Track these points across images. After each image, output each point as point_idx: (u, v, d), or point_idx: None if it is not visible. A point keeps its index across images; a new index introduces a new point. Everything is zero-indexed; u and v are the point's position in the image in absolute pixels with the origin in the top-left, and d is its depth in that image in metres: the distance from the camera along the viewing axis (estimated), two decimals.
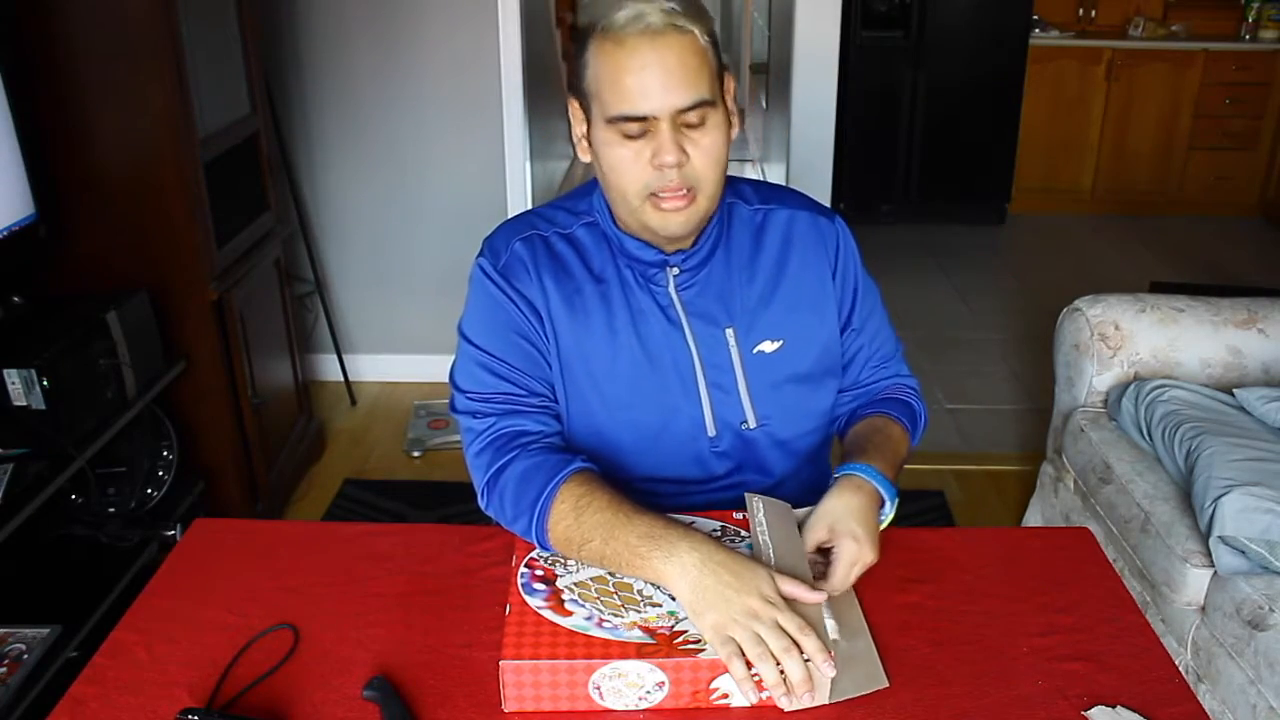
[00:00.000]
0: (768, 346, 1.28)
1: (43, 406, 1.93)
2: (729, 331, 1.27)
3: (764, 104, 5.99)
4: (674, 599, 1.04)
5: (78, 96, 2.20)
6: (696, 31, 1.12)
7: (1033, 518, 2.56)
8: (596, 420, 1.27)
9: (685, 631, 1.00)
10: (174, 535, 2.20)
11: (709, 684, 0.98)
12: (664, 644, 0.98)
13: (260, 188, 2.73)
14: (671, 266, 1.25)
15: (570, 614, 1.02)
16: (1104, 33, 5.42)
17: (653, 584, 1.06)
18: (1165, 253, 5.01)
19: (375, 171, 3.39)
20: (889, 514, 1.21)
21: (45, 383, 1.92)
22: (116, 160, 2.25)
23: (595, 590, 1.06)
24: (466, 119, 3.33)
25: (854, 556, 1.12)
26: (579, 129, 1.21)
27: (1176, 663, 1.13)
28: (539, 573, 1.10)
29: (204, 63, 2.33)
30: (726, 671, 0.97)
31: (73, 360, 2.00)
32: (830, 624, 1.05)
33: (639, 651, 0.97)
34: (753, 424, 1.28)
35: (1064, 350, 2.44)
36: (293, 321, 2.94)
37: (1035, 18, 5.14)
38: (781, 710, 0.98)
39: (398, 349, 3.58)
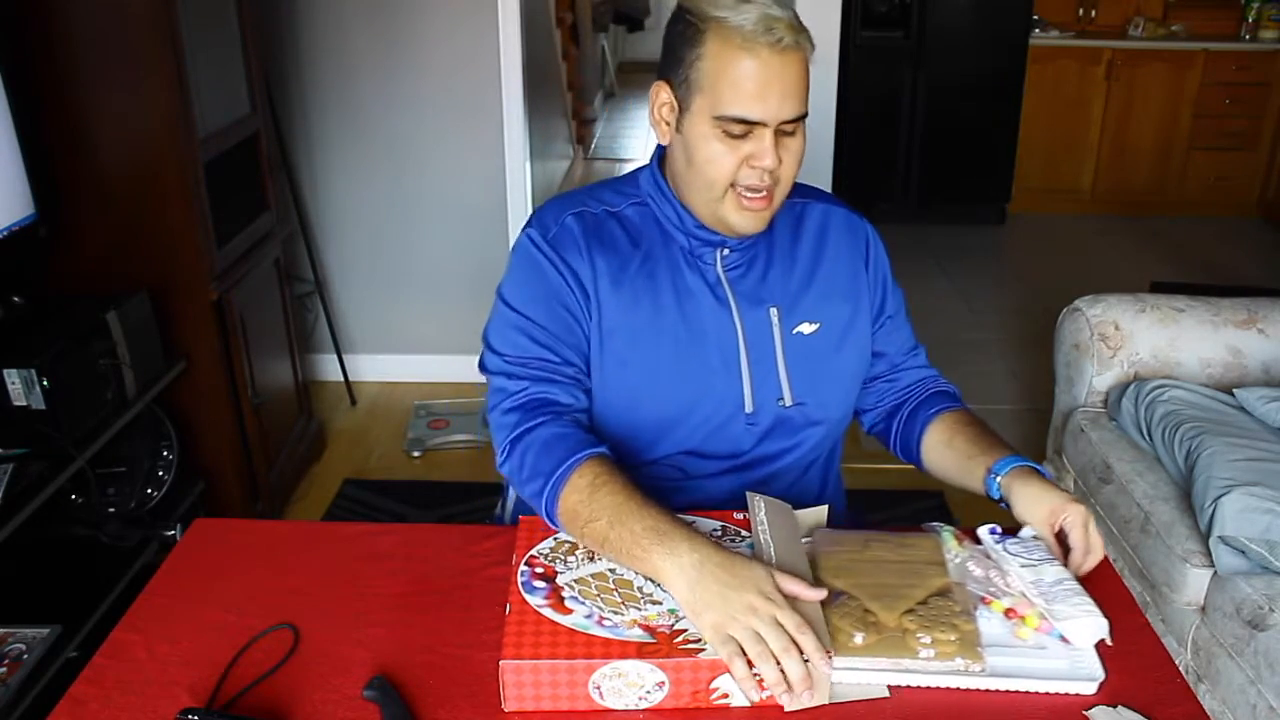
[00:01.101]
0: (806, 328, 1.33)
1: (43, 406, 1.93)
2: (773, 311, 1.31)
3: None
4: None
5: (78, 96, 2.20)
6: (808, 51, 1.20)
7: None
8: (637, 395, 1.29)
9: (685, 630, 1.00)
10: (174, 535, 2.19)
11: (709, 684, 0.98)
12: (664, 643, 0.98)
13: (260, 188, 2.73)
14: (724, 248, 1.30)
15: (570, 612, 1.02)
16: (1104, 33, 5.42)
17: (651, 580, 1.07)
18: (1165, 253, 5.01)
19: (375, 171, 3.38)
20: None
21: (45, 383, 1.92)
22: (116, 160, 2.25)
23: (595, 588, 1.06)
24: (466, 119, 3.33)
25: (1085, 517, 1.17)
26: (665, 113, 1.25)
27: (1176, 663, 1.13)
28: (539, 570, 1.10)
29: (204, 63, 2.33)
30: (727, 671, 0.97)
31: (73, 360, 2.00)
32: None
33: (639, 651, 0.97)
34: (788, 401, 1.32)
35: (1064, 350, 2.44)
36: (293, 321, 2.94)
37: (1035, 18, 5.14)
38: (782, 710, 0.98)
39: (398, 349, 3.58)
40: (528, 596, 1.05)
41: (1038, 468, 1.25)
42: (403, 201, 3.42)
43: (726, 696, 0.99)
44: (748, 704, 0.99)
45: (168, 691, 1.02)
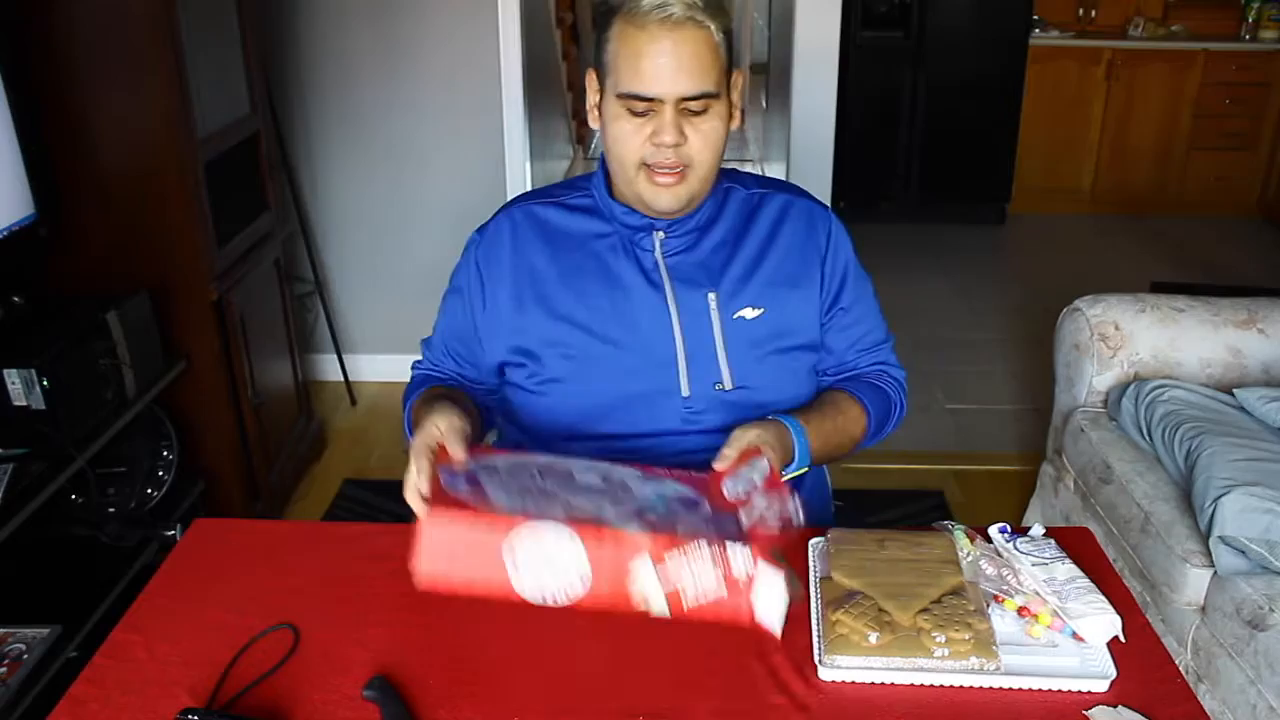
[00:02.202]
0: (748, 313, 1.33)
1: (43, 406, 1.93)
2: (711, 296, 1.32)
3: (764, 104, 5.99)
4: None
5: (78, 96, 2.20)
6: (713, 28, 1.21)
7: (1033, 518, 2.56)
8: (569, 379, 1.32)
9: (607, 519, 0.97)
10: (174, 535, 2.19)
11: (628, 564, 0.93)
12: (589, 524, 0.95)
13: (260, 188, 2.73)
14: (657, 230, 1.32)
15: (498, 501, 1.00)
16: (1104, 33, 5.41)
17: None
18: (1165, 253, 5.00)
19: (375, 171, 3.38)
20: (793, 470, 1.23)
21: (45, 383, 1.92)
22: (116, 160, 2.25)
23: (518, 489, 1.04)
24: (466, 119, 3.33)
25: (749, 439, 1.16)
26: (593, 98, 1.30)
27: (1176, 663, 1.13)
28: (457, 469, 1.07)
29: (204, 63, 2.33)
30: (648, 552, 0.93)
31: (73, 360, 2.00)
32: None
33: (559, 520, 0.94)
34: (728, 385, 1.32)
35: (1064, 350, 2.43)
36: (293, 321, 2.94)
37: (1035, 18, 5.14)
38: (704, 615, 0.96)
39: (398, 349, 3.57)
40: (450, 487, 1.01)
41: (794, 439, 1.22)
42: (403, 202, 3.42)
43: (646, 600, 0.94)
44: (666, 613, 0.94)
45: (168, 691, 1.02)
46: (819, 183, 3.70)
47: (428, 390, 1.38)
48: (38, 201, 2.08)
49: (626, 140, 1.24)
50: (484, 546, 0.92)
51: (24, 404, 1.93)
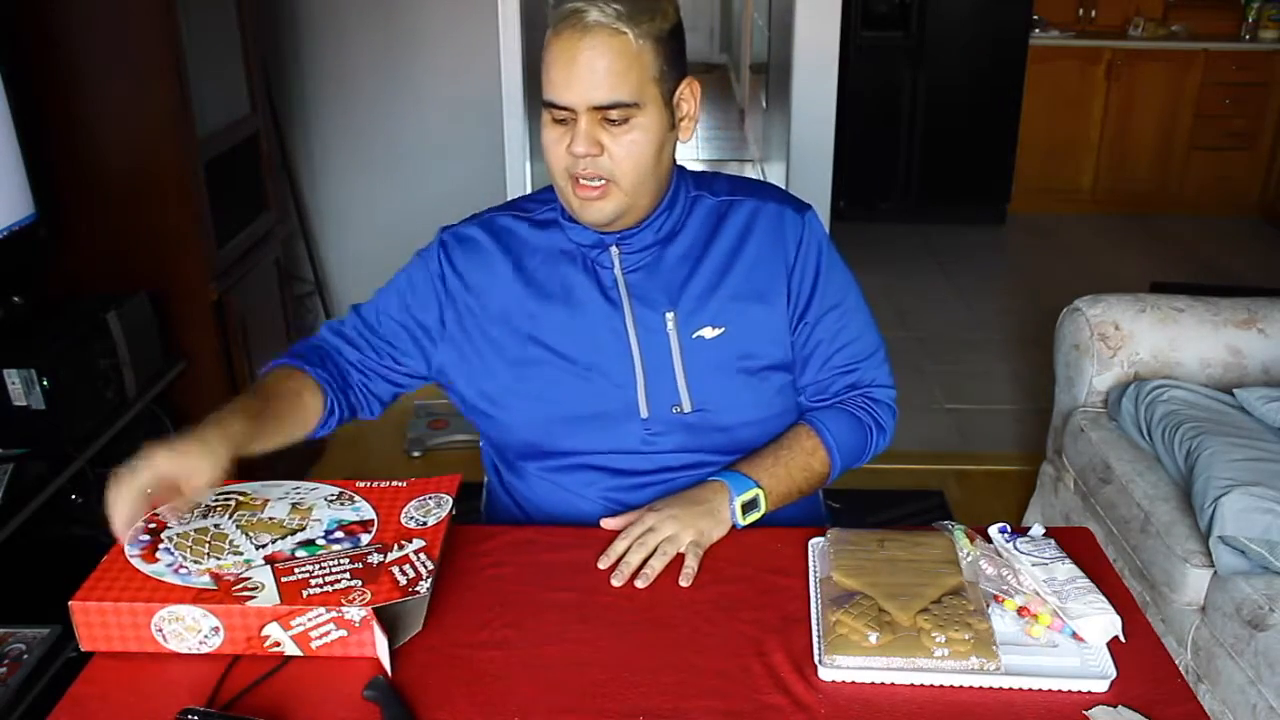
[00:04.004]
0: (708, 333, 1.29)
1: (43, 406, 1.93)
2: (669, 315, 1.29)
3: (764, 104, 5.99)
4: (258, 548, 1.10)
5: (78, 96, 2.20)
6: (631, 35, 1.15)
7: (1033, 518, 2.56)
8: (535, 395, 1.31)
9: (249, 579, 1.05)
10: None
11: (260, 630, 1.02)
12: (223, 590, 1.04)
13: (260, 188, 2.73)
14: (610, 246, 1.29)
15: (156, 561, 1.09)
16: (1104, 33, 5.41)
17: (245, 532, 1.13)
18: (1165, 253, 5.01)
19: (375, 171, 3.39)
20: (735, 508, 1.23)
21: (45, 383, 1.92)
22: (116, 160, 2.26)
23: (192, 539, 1.12)
24: (466, 119, 3.33)
25: (633, 517, 1.22)
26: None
27: (1176, 663, 1.13)
28: (152, 525, 1.16)
29: (204, 63, 2.33)
30: (275, 620, 1.02)
31: (73, 360, 2.00)
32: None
33: (197, 597, 1.03)
34: (687, 408, 1.29)
35: (1064, 350, 2.44)
36: (293, 321, 2.95)
37: (1035, 18, 5.14)
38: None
39: None
40: (128, 547, 1.12)
41: (730, 485, 1.24)
42: (403, 202, 3.42)
43: (279, 645, 1.02)
44: (300, 653, 1.03)
45: (168, 691, 1.02)
46: (819, 182, 3.69)
47: (268, 382, 1.37)
48: (38, 201, 2.08)
49: (551, 148, 1.21)
50: (133, 626, 1.04)
51: (24, 404, 1.93)
